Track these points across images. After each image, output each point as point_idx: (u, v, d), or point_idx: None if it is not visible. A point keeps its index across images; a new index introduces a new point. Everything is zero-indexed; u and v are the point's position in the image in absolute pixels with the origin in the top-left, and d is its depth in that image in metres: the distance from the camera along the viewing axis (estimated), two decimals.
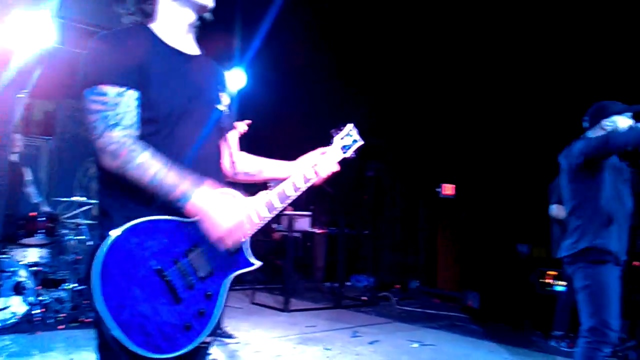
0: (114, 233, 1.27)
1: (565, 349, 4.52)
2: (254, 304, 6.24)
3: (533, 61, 5.92)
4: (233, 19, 7.08)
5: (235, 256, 1.48)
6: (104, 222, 1.35)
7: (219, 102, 1.55)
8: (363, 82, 8.34)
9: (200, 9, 1.51)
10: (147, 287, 1.30)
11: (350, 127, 1.85)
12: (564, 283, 5.04)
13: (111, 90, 1.31)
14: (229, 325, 4.63)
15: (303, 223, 6.33)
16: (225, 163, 1.68)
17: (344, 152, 1.79)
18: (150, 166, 1.30)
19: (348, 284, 8.15)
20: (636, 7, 4.79)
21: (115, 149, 1.29)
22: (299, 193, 1.64)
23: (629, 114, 2.83)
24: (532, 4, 5.54)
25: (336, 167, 1.73)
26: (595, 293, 2.60)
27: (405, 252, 8.41)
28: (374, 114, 8.59)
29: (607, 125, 2.83)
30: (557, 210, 4.64)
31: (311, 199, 8.79)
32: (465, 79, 6.81)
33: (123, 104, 1.32)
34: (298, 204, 8.23)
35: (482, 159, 7.01)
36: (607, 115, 2.84)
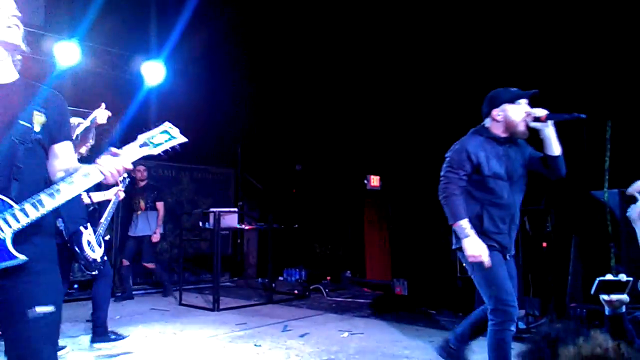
0: None
1: None
2: (182, 305, 6.06)
3: (457, 52, 6.14)
4: (150, 12, 6.81)
5: None
6: None
7: (25, 119, 1.75)
8: (288, 76, 8.32)
9: (8, 46, 1.81)
10: None
11: (166, 125, 1.93)
12: None
13: None
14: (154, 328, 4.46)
15: (230, 220, 6.22)
16: (51, 171, 1.90)
17: (152, 148, 1.88)
18: None
19: (280, 278, 8.13)
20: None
21: None
22: (77, 190, 1.77)
23: (525, 99, 2.77)
24: None
25: (127, 166, 1.81)
26: (486, 276, 2.71)
27: (335, 244, 8.51)
28: (300, 108, 8.60)
29: (498, 115, 2.78)
30: None
31: (239, 195, 8.69)
32: (389, 73, 6.96)
33: None
34: (226, 200, 8.14)
35: (407, 151, 7.22)
36: (498, 104, 2.79)
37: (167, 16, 6.77)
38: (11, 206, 1.65)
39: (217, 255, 5.84)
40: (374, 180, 8.35)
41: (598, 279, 1.94)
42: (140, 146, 1.88)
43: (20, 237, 1.65)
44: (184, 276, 6.52)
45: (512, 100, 2.76)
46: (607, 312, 1.92)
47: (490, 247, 2.71)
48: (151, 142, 1.89)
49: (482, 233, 2.73)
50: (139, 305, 5.77)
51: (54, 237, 1.87)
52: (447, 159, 2.87)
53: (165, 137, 1.93)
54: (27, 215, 1.66)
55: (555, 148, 2.76)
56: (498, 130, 2.81)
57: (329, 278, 7.93)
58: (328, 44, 7.30)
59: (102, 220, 4.17)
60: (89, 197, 4.18)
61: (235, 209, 6.72)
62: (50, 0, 6.47)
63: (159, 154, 1.91)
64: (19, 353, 1.67)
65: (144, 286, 7.00)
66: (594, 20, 5.12)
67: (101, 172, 1.81)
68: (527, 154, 2.88)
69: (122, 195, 4.40)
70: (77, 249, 3.78)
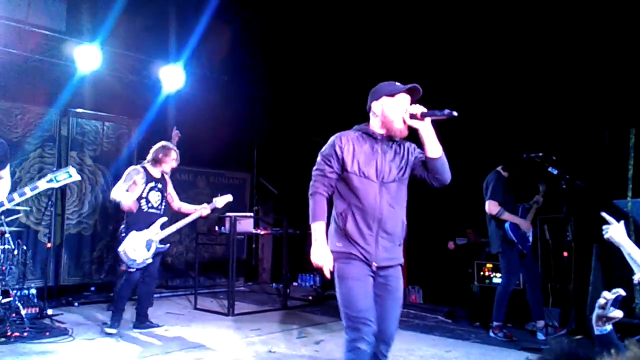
0: None
1: (502, 339, 4.67)
2: (197, 309, 6.07)
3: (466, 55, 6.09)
4: (170, 17, 6.88)
5: None
6: None
7: None
8: (305, 81, 8.33)
9: None
10: None
11: (68, 168, 2.97)
12: (500, 275, 5.24)
13: None
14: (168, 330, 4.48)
15: (246, 224, 6.22)
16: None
17: (55, 183, 2.90)
18: None
19: (295, 284, 8.10)
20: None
21: None
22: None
23: (406, 95, 2.49)
24: None
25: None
26: (341, 289, 2.47)
27: None
28: (317, 112, 8.59)
29: (376, 109, 2.53)
30: (489, 206, 4.80)
31: (255, 199, 8.69)
32: (407, 77, 6.91)
33: None
34: (241, 205, 8.13)
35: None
36: (377, 97, 2.53)
37: (186, 21, 6.84)
38: None
39: (233, 260, 5.84)
40: None
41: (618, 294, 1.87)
42: (47, 181, 2.84)
43: None
44: (199, 280, 6.52)
45: (392, 93, 2.50)
46: (598, 332, 1.84)
47: (349, 256, 2.45)
48: (55, 179, 2.86)
49: (345, 237, 2.48)
50: (154, 309, 5.79)
51: None
52: (318, 158, 2.60)
53: (65, 175, 2.87)
54: None
55: (433, 149, 2.45)
56: (375, 126, 2.54)
57: None
58: (347, 48, 7.29)
59: (160, 229, 4.73)
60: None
61: (251, 214, 6.73)
62: (72, 5, 6.57)
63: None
64: None
65: (160, 290, 7.03)
66: (620, 29, 5.03)
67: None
68: (411, 157, 2.58)
69: (204, 212, 4.96)
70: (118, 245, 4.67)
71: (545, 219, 5.38)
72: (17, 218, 5.27)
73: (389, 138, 2.54)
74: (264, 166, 8.81)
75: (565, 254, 4.59)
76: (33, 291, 5.42)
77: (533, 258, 4.99)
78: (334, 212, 2.57)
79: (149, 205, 4.75)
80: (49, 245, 5.81)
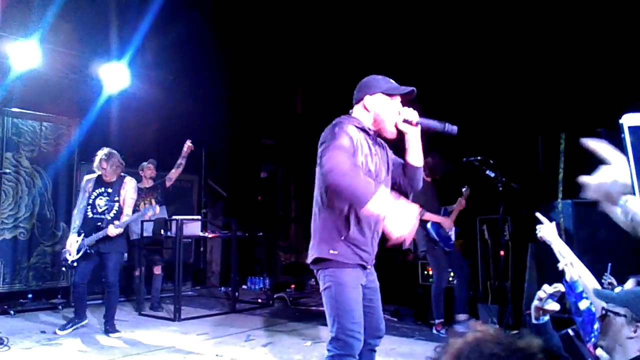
0: None
1: (445, 335, 4.85)
2: (141, 315, 5.92)
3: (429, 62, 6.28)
4: (111, 14, 6.68)
5: None
6: None
7: None
8: (255, 83, 8.30)
9: None
10: None
11: None
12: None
13: None
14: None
15: (193, 227, 6.12)
16: None
17: None
18: None
19: (244, 287, 8.05)
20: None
21: None
22: None
23: (398, 97, 2.38)
24: None
25: None
26: (335, 295, 2.27)
27: (300, 253, 8.51)
28: (266, 116, 8.59)
29: (370, 104, 2.38)
30: None
31: (203, 202, 8.57)
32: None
33: None
34: (189, 207, 8.00)
35: None
36: (373, 92, 2.38)
37: (130, 19, 6.66)
38: None
39: (179, 264, 5.74)
40: None
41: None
42: None
43: None
44: (144, 285, 6.35)
45: (390, 93, 2.37)
46: (535, 321, 1.99)
47: (345, 264, 2.26)
48: None
49: (344, 242, 2.26)
50: (95, 315, 5.60)
51: None
52: (327, 139, 2.22)
53: None
54: None
55: (417, 157, 2.41)
56: (367, 122, 2.38)
57: (293, 286, 7.91)
58: (294, 48, 7.34)
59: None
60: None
61: (199, 217, 6.63)
62: (8, 0, 6.26)
63: None
64: None
65: (99, 295, 6.78)
66: (553, 40, 5.33)
67: None
68: (391, 158, 2.51)
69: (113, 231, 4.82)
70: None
71: (484, 219, 5.63)
72: None
73: (378, 135, 2.43)
74: (213, 168, 8.70)
75: (502, 252, 4.82)
76: None
77: (460, 255, 5.25)
78: (326, 219, 2.31)
79: (94, 211, 4.85)
80: None
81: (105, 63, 6.68)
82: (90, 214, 4.83)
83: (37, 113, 6.45)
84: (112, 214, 4.84)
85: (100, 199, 4.85)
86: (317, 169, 2.29)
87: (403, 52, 6.17)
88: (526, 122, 5.48)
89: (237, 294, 6.70)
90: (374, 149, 2.37)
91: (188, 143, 6.02)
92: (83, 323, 5.00)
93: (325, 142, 2.20)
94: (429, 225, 4.98)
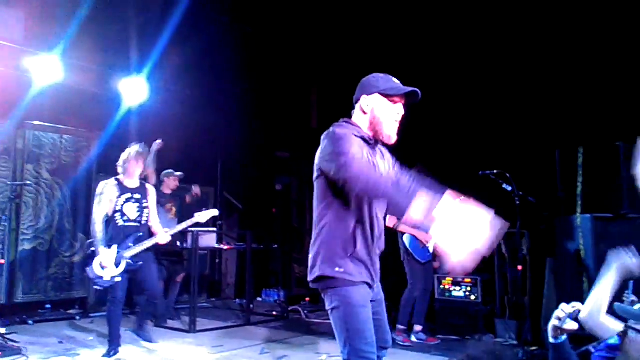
0: None
1: (401, 343, 5.07)
2: (157, 326, 5.95)
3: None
4: (131, 29, 6.81)
5: None
6: None
7: None
8: (270, 96, 8.38)
9: None
10: None
11: None
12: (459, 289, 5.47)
13: None
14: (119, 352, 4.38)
15: (209, 239, 6.17)
16: None
17: None
18: None
19: (259, 299, 8.05)
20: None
21: None
22: None
23: (401, 98, 2.19)
24: None
25: None
26: (345, 316, 2.11)
27: None
28: (281, 128, 8.65)
29: (367, 105, 2.19)
30: (387, 220, 4.83)
31: (219, 214, 8.62)
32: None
33: None
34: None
35: None
36: (370, 92, 2.19)
37: (149, 34, 6.78)
38: None
39: (195, 276, 5.77)
40: None
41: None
42: None
43: None
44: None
45: (388, 93, 2.18)
46: (553, 340, 1.96)
47: (353, 282, 2.11)
48: None
49: (351, 258, 2.12)
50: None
51: None
52: (334, 143, 2.08)
53: None
54: None
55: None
56: (364, 126, 2.22)
57: (308, 299, 7.88)
58: (310, 62, 7.40)
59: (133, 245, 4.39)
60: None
61: (214, 229, 6.67)
62: (30, 15, 6.43)
63: None
64: None
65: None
66: (571, 52, 5.30)
67: None
68: (395, 167, 2.32)
69: (161, 241, 4.57)
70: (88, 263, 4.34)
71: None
72: None
73: (377, 141, 2.24)
74: (228, 181, 8.77)
75: (520, 267, 4.77)
76: None
77: (431, 268, 5.36)
78: (331, 235, 2.15)
79: (125, 218, 4.38)
80: (2, 261, 5.61)
81: (125, 77, 6.80)
82: (120, 222, 4.35)
83: (58, 126, 6.58)
84: (144, 220, 4.49)
85: (130, 205, 4.41)
86: (319, 182, 2.18)
87: (419, 64, 6.18)
88: (543, 135, 5.43)
89: (251, 306, 6.71)
90: (375, 160, 2.19)
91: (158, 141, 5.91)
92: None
93: (332, 149, 2.06)
94: (405, 237, 5.19)
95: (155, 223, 4.59)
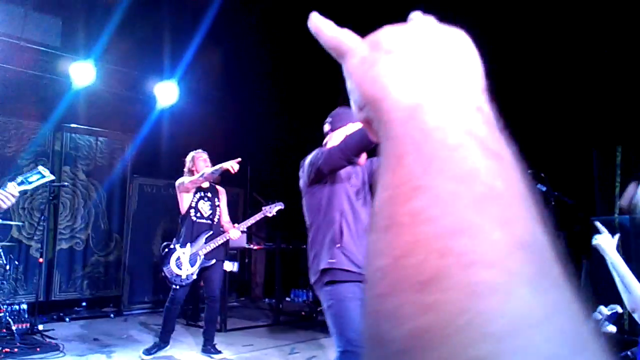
0: None
1: None
2: (189, 324, 6.05)
3: None
4: (163, 34, 6.94)
5: None
6: None
7: None
8: (298, 98, 8.40)
9: None
10: None
11: (39, 168, 2.64)
12: None
13: None
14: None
15: (239, 239, 6.22)
16: None
17: (27, 185, 2.55)
18: None
19: (287, 299, 8.09)
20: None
21: None
22: None
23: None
24: None
25: (14, 194, 2.44)
26: (338, 310, 2.33)
27: None
28: (309, 130, 8.66)
29: (334, 134, 2.47)
30: None
31: (248, 214, 8.70)
32: None
33: None
34: (234, 220, 8.21)
35: None
36: (339, 125, 2.50)
37: (180, 38, 6.91)
38: None
39: (226, 275, 5.83)
40: None
41: None
42: (19, 184, 2.51)
43: None
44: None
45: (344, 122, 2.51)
46: None
47: (343, 273, 2.32)
48: (27, 181, 2.56)
49: (342, 249, 2.34)
50: (145, 324, 5.77)
51: None
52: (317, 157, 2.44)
53: (37, 176, 2.60)
54: None
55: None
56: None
57: None
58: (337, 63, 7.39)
59: (205, 243, 4.50)
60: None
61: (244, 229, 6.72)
62: (67, 21, 6.63)
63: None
64: None
65: (149, 304, 6.99)
66: (606, 50, 5.15)
67: None
68: (367, 176, 2.60)
69: (233, 236, 4.72)
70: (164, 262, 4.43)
71: None
72: (9, 233, 5.26)
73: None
74: (257, 182, 8.84)
75: None
76: (24, 306, 5.37)
77: None
78: (320, 233, 2.43)
79: (198, 215, 4.49)
80: (40, 260, 5.78)
81: (158, 80, 6.95)
82: (194, 218, 4.45)
83: (93, 128, 6.76)
84: (216, 219, 4.60)
85: (204, 202, 4.54)
86: (307, 196, 2.53)
87: None
88: (580, 134, 5.29)
89: (280, 305, 6.74)
90: (352, 172, 2.50)
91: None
92: (166, 348, 4.59)
93: (316, 159, 2.43)
94: None
95: (226, 221, 4.74)
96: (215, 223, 4.57)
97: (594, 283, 4.74)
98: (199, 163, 4.60)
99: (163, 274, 4.40)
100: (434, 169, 0.25)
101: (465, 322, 0.21)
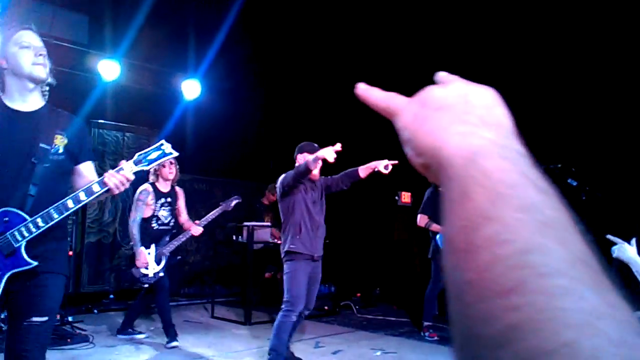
0: None
1: (429, 339, 5.11)
2: (214, 317, 6.11)
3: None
4: (188, 30, 6.99)
5: (11, 258, 1.94)
6: None
7: (45, 142, 2.05)
8: (321, 95, 8.39)
9: (35, 80, 2.09)
10: None
11: (161, 142, 2.25)
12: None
13: None
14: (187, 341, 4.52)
15: (263, 234, 6.27)
16: (76, 187, 2.18)
17: (146, 165, 2.17)
18: None
19: None
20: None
21: None
22: (94, 197, 2.09)
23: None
24: None
25: (129, 177, 2.10)
26: (291, 275, 3.78)
27: (366, 261, 8.46)
28: (334, 123, 8.65)
29: (300, 159, 3.86)
30: (418, 219, 5.31)
31: (271, 209, 8.74)
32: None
33: None
34: (258, 214, 8.26)
35: None
36: (301, 152, 3.94)
37: (204, 34, 6.96)
38: (25, 219, 1.96)
39: (250, 269, 5.88)
40: (405, 197, 8.30)
41: None
42: (135, 163, 2.16)
43: (31, 246, 1.97)
44: (216, 289, 6.57)
45: (311, 152, 3.78)
46: None
47: (299, 255, 3.75)
48: (146, 160, 2.19)
49: (300, 239, 3.75)
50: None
51: (66, 242, 2.22)
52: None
53: (158, 153, 2.21)
54: (37, 227, 1.96)
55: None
56: None
57: (359, 295, 7.88)
58: (362, 60, 7.36)
59: (169, 241, 4.78)
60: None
61: (268, 224, 6.77)
62: (94, 18, 6.73)
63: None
64: (12, 348, 1.95)
65: (177, 298, 7.09)
66: (627, 37, 5.02)
67: (106, 185, 2.07)
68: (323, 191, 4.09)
69: (194, 232, 4.86)
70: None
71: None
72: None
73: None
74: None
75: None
76: None
77: None
78: (287, 228, 3.83)
79: (159, 222, 4.71)
80: (69, 253, 5.90)
81: (183, 76, 7.01)
82: (155, 226, 4.68)
83: (120, 124, 6.87)
84: (172, 223, 4.81)
85: (163, 210, 4.72)
86: (279, 199, 3.90)
87: (480, 53, 6.03)
88: (610, 129, 5.17)
89: None
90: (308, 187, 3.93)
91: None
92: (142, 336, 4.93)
93: (284, 179, 3.86)
94: (438, 235, 5.17)
95: (185, 219, 4.88)
96: (172, 227, 4.81)
97: (625, 280, 4.64)
98: (164, 172, 4.70)
99: (131, 275, 4.62)
100: (500, 203, 0.32)
101: (547, 318, 0.27)
